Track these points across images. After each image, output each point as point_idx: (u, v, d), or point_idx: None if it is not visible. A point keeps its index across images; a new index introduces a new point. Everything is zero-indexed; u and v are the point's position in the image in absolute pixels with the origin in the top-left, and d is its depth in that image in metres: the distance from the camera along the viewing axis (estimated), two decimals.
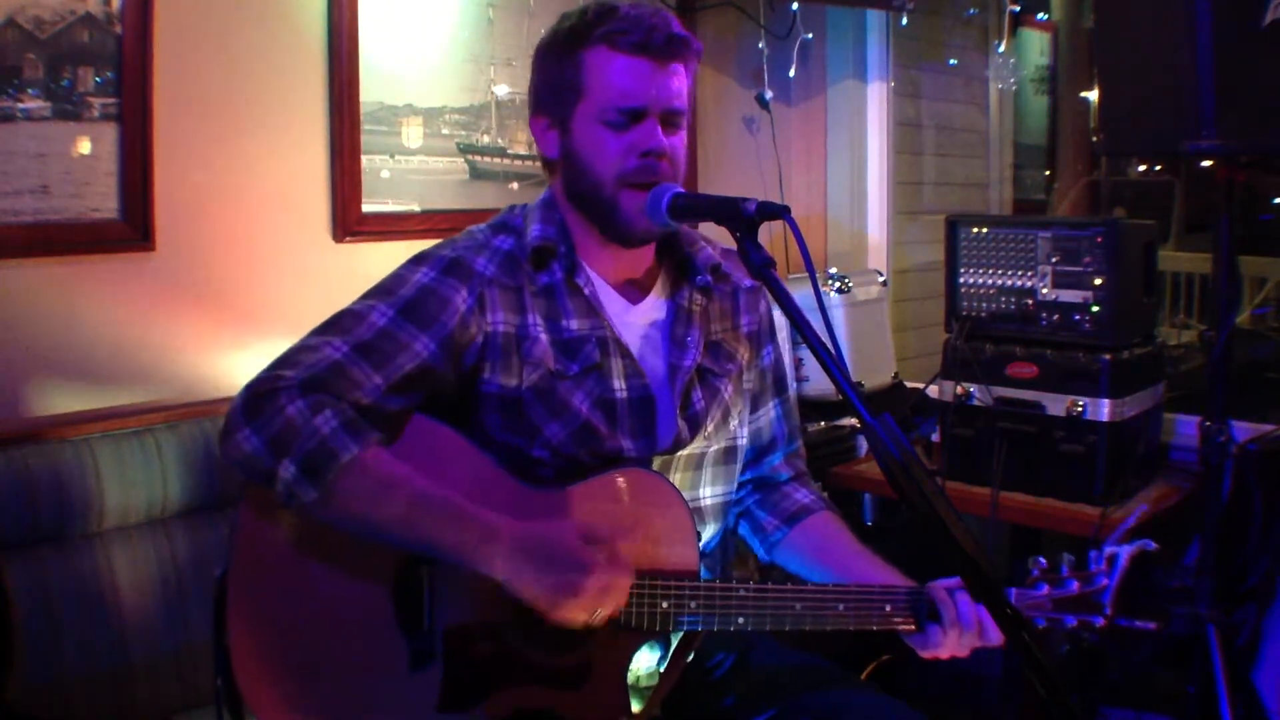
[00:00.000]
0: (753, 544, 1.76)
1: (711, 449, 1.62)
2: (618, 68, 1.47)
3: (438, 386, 1.48)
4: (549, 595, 1.29)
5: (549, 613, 1.30)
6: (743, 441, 1.69)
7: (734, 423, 1.66)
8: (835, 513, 1.74)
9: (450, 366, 1.48)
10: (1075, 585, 1.44)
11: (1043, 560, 1.47)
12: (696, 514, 1.56)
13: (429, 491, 1.35)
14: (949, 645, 1.45)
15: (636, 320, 1.59)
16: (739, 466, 1.69)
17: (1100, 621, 1.43)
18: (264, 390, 1.36)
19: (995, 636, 1.44)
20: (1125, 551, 1.44)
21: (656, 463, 1.55)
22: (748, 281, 1.72)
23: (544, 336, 1.51)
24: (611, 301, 1.57)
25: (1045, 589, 1.45)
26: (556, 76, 1.52)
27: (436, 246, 1.56)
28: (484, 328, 1.49)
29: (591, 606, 1.30)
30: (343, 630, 1.40)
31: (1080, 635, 1.44)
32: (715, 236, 1.66)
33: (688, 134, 1.55)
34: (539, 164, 1.64)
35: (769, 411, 1.75)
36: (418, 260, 1.53)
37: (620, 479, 1.47)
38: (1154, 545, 1.44)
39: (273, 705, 1.37)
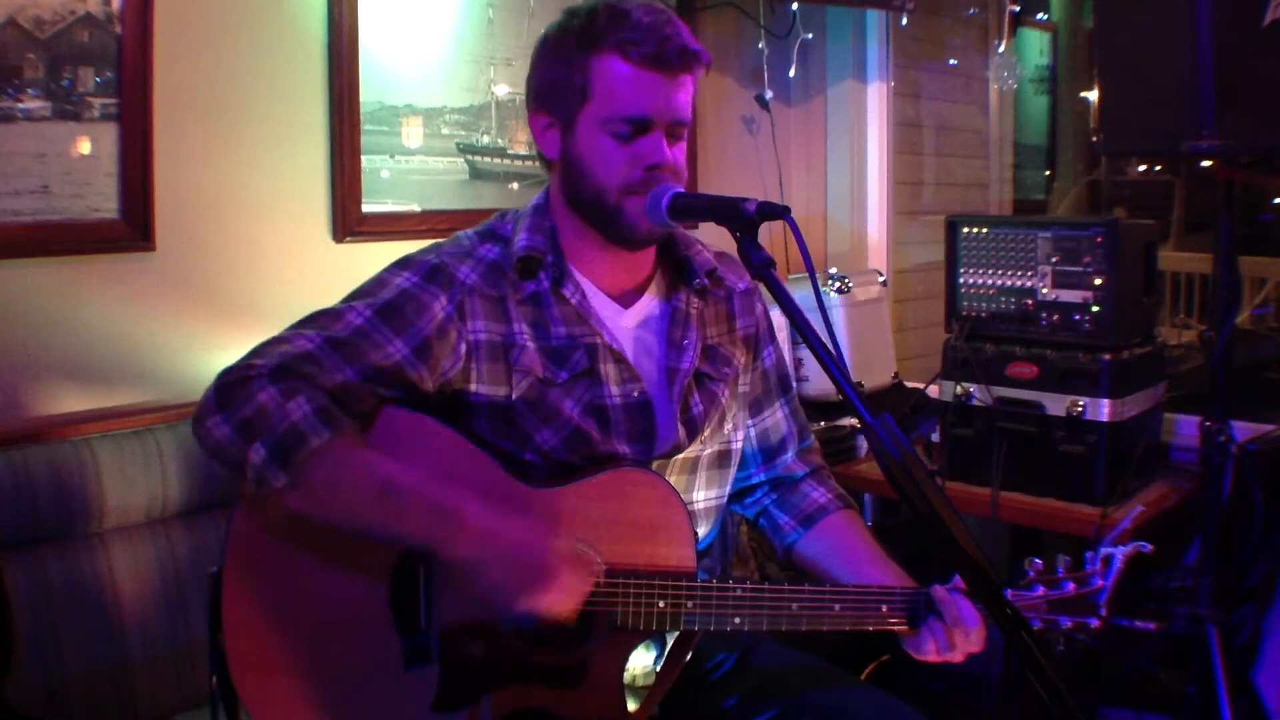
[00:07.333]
0: (773, 542, 1.75)
1: (706, 453, 1.61)
2: (628, 78, 1.45)
3: (412, 389, 1.46)
4: (506, 592, 1.30)
5: (505, 608, 1.31)
6: (737, 445, 1.68)
7: (729, 427, 1.65)
8: (853, 510, 1.72)
9: (425, 372, 1.46)
10: (1071, 586, 1.45)
11: (1038, 561, 1.47)
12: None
13: (401, 477, 1.34)
14: (945, 648, 1.45)
15: (629, 324, 1.58)
16: (732, 470, 1.68)
17: (1095, 623, 1.43)
18: (235, 378, 1.36)
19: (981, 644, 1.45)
20: (1120, 553, 1.44)
21: (652, 466, 1.54)
22: (742, 285, 1.71)
23: (531, 344, 1.50)
24: (602, 306, 1.56)
25: (1041, 590, 1.45)
26: (562, 76, 1.49)
27: (421, 251, 1.54)
28: (465, 336, 1.48)
29: (547, 608, 1.30)
30: (338, 629, 1.40)
31: (1075, 636, 1.45)
32: (715, 237, 1.66)
33: (688, 136, 1.54)
34: (539, 164, 1.61)
35: (776, 412, 1.74)
36: (401, 264, 1.52)
37: (617, 478, 1.46)
38: (1149, 547, 1.44)
39: (267, 704, 1.37)
